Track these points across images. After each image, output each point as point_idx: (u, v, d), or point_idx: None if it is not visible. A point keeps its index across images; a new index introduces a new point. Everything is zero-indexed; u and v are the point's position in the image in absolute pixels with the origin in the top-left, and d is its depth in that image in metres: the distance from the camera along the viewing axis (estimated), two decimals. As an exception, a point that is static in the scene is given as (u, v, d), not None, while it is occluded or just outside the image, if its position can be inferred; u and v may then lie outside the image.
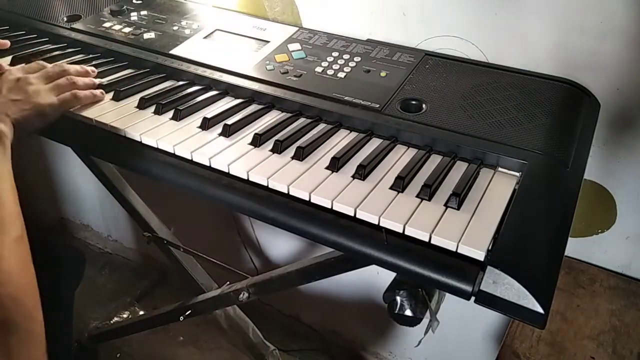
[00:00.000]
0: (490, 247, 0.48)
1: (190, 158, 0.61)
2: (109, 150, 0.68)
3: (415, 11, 0.85)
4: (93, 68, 0.77)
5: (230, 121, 0.66)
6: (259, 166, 0.59)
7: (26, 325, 0.50)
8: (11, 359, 0.47)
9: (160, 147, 0.63)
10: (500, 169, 0.60)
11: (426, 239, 0.49)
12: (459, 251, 0.47)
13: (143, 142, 0.64)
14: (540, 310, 0.43)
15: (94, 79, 0.75)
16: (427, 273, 0.48)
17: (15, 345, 0.48)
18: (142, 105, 0.71)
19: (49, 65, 0.72)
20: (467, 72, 0.74)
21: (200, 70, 0.78)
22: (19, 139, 0.63)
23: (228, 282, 0.98)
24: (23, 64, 0.74)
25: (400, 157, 0.62)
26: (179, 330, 1.46)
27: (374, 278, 1.21)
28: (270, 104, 0.73)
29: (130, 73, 0.80)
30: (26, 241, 0.55)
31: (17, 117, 0.63)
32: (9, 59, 0.81)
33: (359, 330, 1.39)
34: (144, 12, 0.93)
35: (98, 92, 0.72)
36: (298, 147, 0.61)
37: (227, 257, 1.01)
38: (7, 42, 0.82)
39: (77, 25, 0.90)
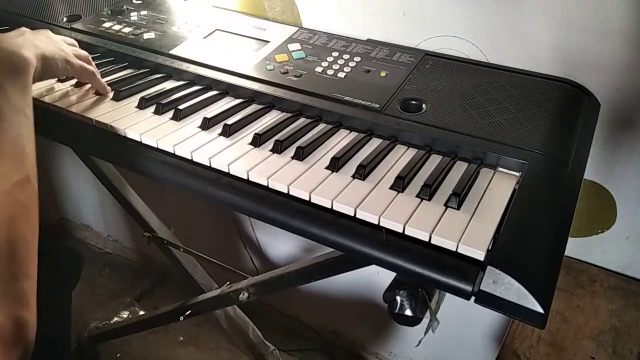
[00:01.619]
0: (490, 247, 0.48)
1: (190, 158, 0.61)
2: (109, 150, 0.68)
3: (415, 11, 0.85)
4: None
5: (230, 121, 0.66)
6: (259, 166, 0.59)
7: (6, 280, 0.44)
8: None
9: (160, 147, 0.63)
10: (500, 169, 0.60)
11: (426, 239, 0.49)
12: (459, 251, 0.47)
13: (143, 142, 0.64)
14: (540, 310, 0.43)
15: None
16: (427, 273, 0.48)
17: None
18: (142, 105, 0.71)
19: None
20: (467, 72, 0.74)
21: (200, 70, 0.78)
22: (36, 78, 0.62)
23: (228, 282, 0.98)
24: None
25: (400, 157, 0.62)
26: (179, 330, 1.46)
27: (374, 278, 1.21)
28: (270, 104, 0.73)
29: (130, 73, 0.80)
30: (32, 186, 0.50)
31: (44, 52, 0.63)
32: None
33: (359, 330, 1.39)
34: (144, 12, 0.93)
35: (108, 88, 0.74)
36: (298, 147, 0.61)
37: (227, 257, 1.01)
38: None
39: (77, 25, 0.90)
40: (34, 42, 0.63)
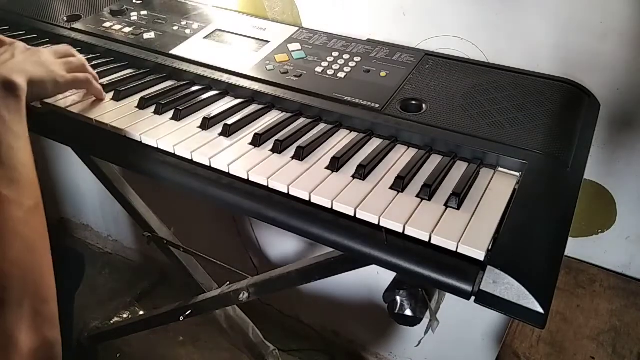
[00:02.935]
0: (490, 247, 0.48)
1: (190, 158, 0.61)
2: (109, 150, 0.68)
3: (415, 11, 0.85)
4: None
5: (230, 121, 0.66)
6: (259, 166, 0.59)
7: (35, 306, 0.45)
8: (14, 342, 0.42)
9: (160, 147, 0.63)
10: (500, 169, 0.60)
11: (426, 239, 0.49)
12: (459, 251, 0.47)
13: (143, 142, 0.64)
14: (540, 310, 0.43)
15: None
16: (427, 273, 0.48)
17: (16, 325, 0.43)
18: (142, 105, 0.71)
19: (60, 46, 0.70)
20: (467, 72, 0.74)
21: (201, 70, 0.78)
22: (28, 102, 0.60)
23: (228, 282, 0.98)
24: None
25: (400, 157, 0.62)
26: (179, 330, 1.46)
27: (374, 278, 1.21)
28: (270, 104, 0.73)
29: (130, 73, 0.80)
30: (42, 211, 0.51)
31: (33, 76, 0.61)
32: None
33: (359, 330, 1.39)
34: (144, 12, 0.93)
35: (104, 93, 0.72)
36: (298, 147, 0.61)
37: (227, 257, 1.01)
38: None
39: (77, 25, 0.90)
40: (23, 66, 0.60)
